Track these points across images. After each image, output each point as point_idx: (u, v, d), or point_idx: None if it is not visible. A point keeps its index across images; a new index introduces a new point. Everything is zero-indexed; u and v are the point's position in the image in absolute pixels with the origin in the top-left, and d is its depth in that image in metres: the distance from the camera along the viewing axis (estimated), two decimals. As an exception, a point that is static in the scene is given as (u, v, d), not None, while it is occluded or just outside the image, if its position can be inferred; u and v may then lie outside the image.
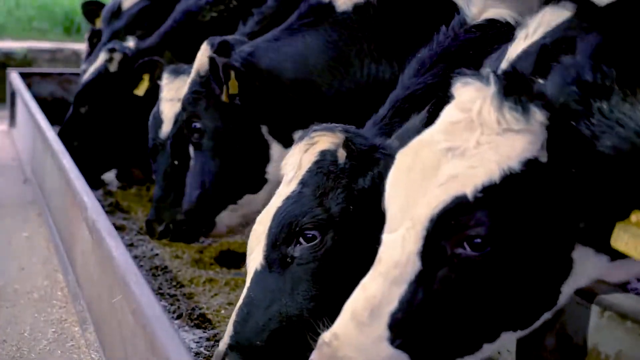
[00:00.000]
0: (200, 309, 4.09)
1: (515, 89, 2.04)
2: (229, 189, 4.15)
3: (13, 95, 8.20)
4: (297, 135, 3.73)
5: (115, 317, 3.21)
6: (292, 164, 2.87)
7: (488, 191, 1.95)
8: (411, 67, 3.27)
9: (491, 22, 3.23)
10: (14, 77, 8.06)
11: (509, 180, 1.96)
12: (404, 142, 2.91)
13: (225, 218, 4.21)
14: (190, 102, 4.17)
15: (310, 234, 2.75)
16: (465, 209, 1.96)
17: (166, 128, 4.94)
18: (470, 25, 3.25)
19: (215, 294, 4.31)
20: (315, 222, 2.74)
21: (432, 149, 2.04)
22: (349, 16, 3.97)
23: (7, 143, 8.04)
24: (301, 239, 2.75)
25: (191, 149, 4.30)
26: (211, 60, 4.00)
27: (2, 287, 4.40)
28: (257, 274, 2.80)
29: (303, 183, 2.80)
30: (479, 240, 1.97)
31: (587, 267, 2.12)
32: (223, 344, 2.80)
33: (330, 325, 2.18)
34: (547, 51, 2.33)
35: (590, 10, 2.43)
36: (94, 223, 3.45)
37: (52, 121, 6.09)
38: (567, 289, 2.14)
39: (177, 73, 5.02)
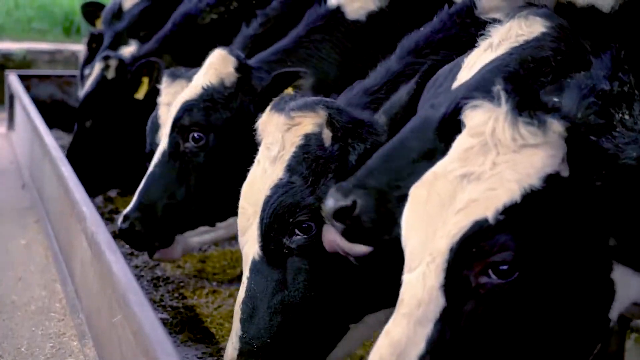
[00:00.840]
0: (203, 322, 3.96)
1: (529, 103, 1.92)
2: (210, 208, 3.91)
3: (12, 97, 8.08)
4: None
5: (115, 333, 3.08)
6: (273, 140, 2.79)
7: (510, 212, 1.83)
8: (413, 43, 3.21)
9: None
10: (13, 80, 7.93)
11: (531, 198, 1.84)
12: (390, 116, 2.84)
13: (191, 239, 3.99)
14: (200, 110, 3.82)
15: (306, 224, 2.71)
16: (487, 233, 1.83)
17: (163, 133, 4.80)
18: (479, 19, 3.16)
19: (219, 306, 4.18)
20: (309, 213, 2.69)
21: (447, 179, 1.91)
22: (362, 25, 3.85)
23: (5, 146, 7.91)
24: (297, 230, 2.71)
25: (163, 151, 3.94)
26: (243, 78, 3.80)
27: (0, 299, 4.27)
28: (255, 265, 2.76)
29: (291, 170, 2.74)
30: (505, 266, 1.83)
31: (629, 288, 1.99)
32: (232, 349, 2.76)
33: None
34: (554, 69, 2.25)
35: (583, 22, 2.34)
36: (93, 235, 3.32)
37: (51, 124, 6.00)
38: (614, 314, 2.00)
39: (175, 77, 4.87)
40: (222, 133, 3.82)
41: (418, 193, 1.96)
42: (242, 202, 2.86)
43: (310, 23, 3.99)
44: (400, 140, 2.51)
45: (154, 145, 4.83)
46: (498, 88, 1.95)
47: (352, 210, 2.42)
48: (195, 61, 5.41)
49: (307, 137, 2.76)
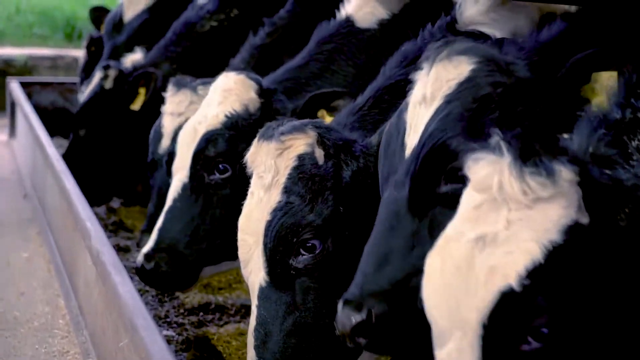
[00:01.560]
0: (209, 339, 3.87)
1: (532, 150, 1.80)
2: (236, 242, 3.74)
3: (13, 105, 8.01)
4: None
5: (122, 356, 3.00)
6: (266, 167, 2.77)
7: (535, 274, 1.70)
8: (394, 59, 3.20)
9: (481, 35, 3.12)
10: (14, 87, 7.85)
11: (554, 254, 1.71)
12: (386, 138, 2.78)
13: (206, 271, 3.73)
14: (225, 140, 3.59)
15: (310, 243, 2.69)
16: (515, 302, 1.70)
17: (165, 143, 4.71)
18: (461, 31, 3.15)
19: (226, 323, 4.10)
20: (312, 230, 2.68)
21: (460, 243, 1.78)
22: (373, 34, 3.76)
23: (6, 155, 7.83)
24: (302, 250, 2.69)
25: (184, 184, 3.69)
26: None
27: (2, 315, 4.19)
28: (263, 291, 2.72)
29: (288, 191, 2.71)
30: (544, 329, 1.71)
31: None
32: None
33: None
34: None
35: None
36: (99, 255, 3.24)
37: (53, 131, 5.93)
38: None
39: (179, 86, 4.79)
40: None
41: (433, 262, 1.84)
42: (241, 235, 2.83)
43: (321, 37, 3.89)
44: (381, 236, 2.38)
45: (156, 155, 4.75)
46: (496, 138, 1.83)
47: (369, 322, 2.28)
48: (196, 69, 5.37)
49: (301, 157, 2.75)
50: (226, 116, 3.60)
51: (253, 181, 2.85)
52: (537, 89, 2.35)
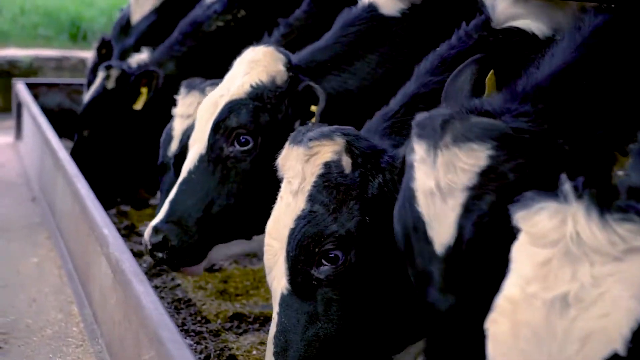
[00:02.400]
0: (229, 349, 3.76)
1: (608, 195, 1.64)
2: (251, 220, 3.51)
3: (19, 106, 7.89)
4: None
5: (142, 368, 2.89)
6: (294, 173, 2.70)
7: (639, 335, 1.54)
8: (428, 63, 3.10)
9: (518, 31, 3.04)
10: (21, 89, 7.74)
11: None
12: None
13: (218, 252, 3.61)
14: (249, 110, 3.41)
15: (332, 254, 2.62)
16: None
17: (174, 146, 4.62)
18: (496, 29, 3.07)
19: (245, 331, 3.98)
20: (335, 241, 2.61)
21: (533, 305, 1.61)
22: (396, 23, 3.64)
23: (13, 157, 7.71)
24: (324, 260, 2.63)
25: (200, 155, 3.52)
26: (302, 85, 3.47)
27: (14, 323, 4.07)
28: (285, 299, 2.67)
29: (312, 200, 2.64)
30: None
31: None
32: None
33: None
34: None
35: None
36: (118, 262, 3.12)
37: (60, 133, 5.84)
38: None
39: (190, 88, 4.69)
40: (271, 136, 3.42)
41: (499, 329, 1.67)
42: (268, 240, 2.76)
43: (345, 21, 3.75)
44: None
45: (166, 158, 4.64)
46: (566, 186, 1.65)
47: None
48: (201, 69, 5.29)
49: (327, 165, 2.67)
50: (251, 86, 3.43)
51: (283, 185, 2.77)
52: (559, 142, 2.23)
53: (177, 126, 4.58)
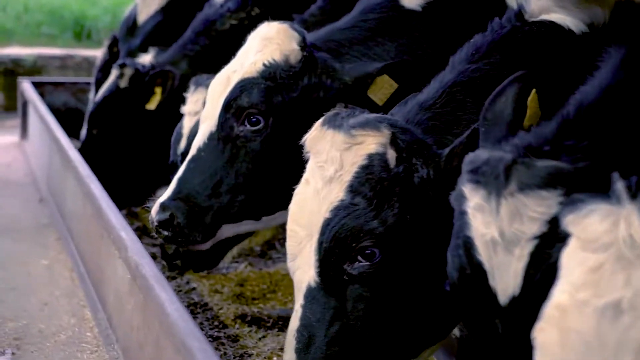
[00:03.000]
0: (249, 355, 3.65)
1: None
2: (260, 201, 3.44)
3: (25, 105, 7.78)
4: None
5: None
6: (328, 158, 2.57)
7: None
8: (463, 52, 3.00)
9: (552, 24, 2.94)
10: (27, 88, 7.62)
11: None
12: None
13: (226, 229, 3.49)
14: (261, 89, 3.31)
15: (369, 250, 2.52)
16: None
17: (183, 144, 4.53)
18: (530, 21, 2.96)
19: (264, 336, 3.87)
20: (374, 237, 2.50)
21: (585, 312, 1.52)
22: (417, 16, 3.54)
23: (19, 157, 7.59)
24: (359, 257, 2.52)
25: (210, 133, 3.43)
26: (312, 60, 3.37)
27: (26, 327, 3.96)
28: (311, 292, 2.57)
29: (353, 191, 2.52)
30: None
31: None
32: None
33: None
34: None
35: None
36: (138, 267, 3.02)
37: (66, 132, 5.72)
38: None
39: (197, 84, 4.61)
40: (282, 117, 3.34)
41: (547, 338, 1.58)
42: (292, 225, 2.63)
43: (366, 6, 3.64)
44: None
45: (175, 157, 4.54)
46: (618, 186, 1.56)
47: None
48: (215, 68, 5.19)
49: (371, 157, 2.54)
50: (264, 65, 3.32)
51: (310, 168, 2.63)
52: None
53: (186, 124, 4.49)
